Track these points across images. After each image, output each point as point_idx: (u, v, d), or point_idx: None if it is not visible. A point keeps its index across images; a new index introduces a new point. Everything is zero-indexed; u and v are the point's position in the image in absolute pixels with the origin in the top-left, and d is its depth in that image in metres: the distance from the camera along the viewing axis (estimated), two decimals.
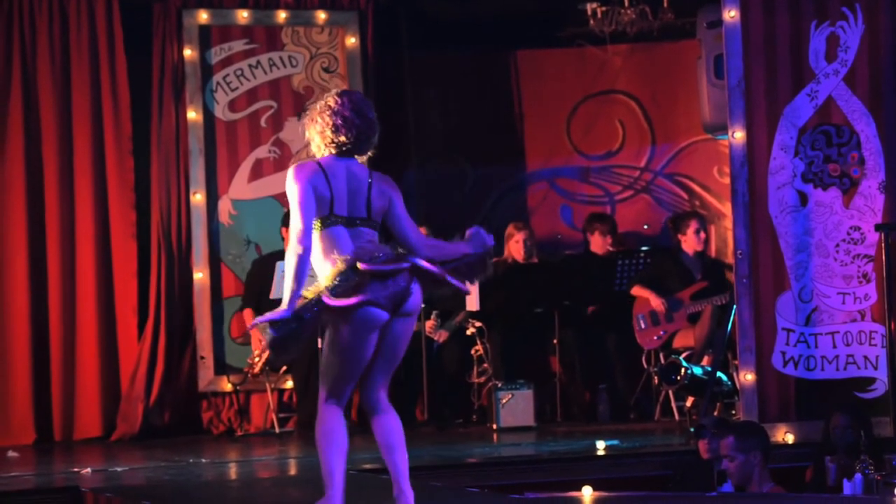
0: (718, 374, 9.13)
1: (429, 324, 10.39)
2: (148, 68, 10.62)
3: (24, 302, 10.34)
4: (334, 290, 5.38)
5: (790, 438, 8.67)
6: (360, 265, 5.38)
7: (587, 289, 10.86)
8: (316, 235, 5.53)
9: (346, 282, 5.38)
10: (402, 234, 5.63)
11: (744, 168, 8.80)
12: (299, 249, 5.45)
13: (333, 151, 5.61)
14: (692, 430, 8.40)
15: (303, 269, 5.44)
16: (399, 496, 5.58)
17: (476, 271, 5.65)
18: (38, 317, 10.37)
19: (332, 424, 5.58)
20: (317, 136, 5.64)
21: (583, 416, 10.68)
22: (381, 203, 5.60)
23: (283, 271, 6.51)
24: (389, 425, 5.63)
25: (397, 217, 5.64)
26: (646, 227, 11.79)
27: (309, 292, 5.39)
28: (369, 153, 5.68)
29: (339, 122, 5.58)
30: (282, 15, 10.86)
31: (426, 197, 11.34)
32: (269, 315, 5.41)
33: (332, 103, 5.62)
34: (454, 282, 5.55)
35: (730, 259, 9.90)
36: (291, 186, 5.52)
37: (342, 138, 5.59)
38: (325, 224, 5.53)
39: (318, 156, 5.66)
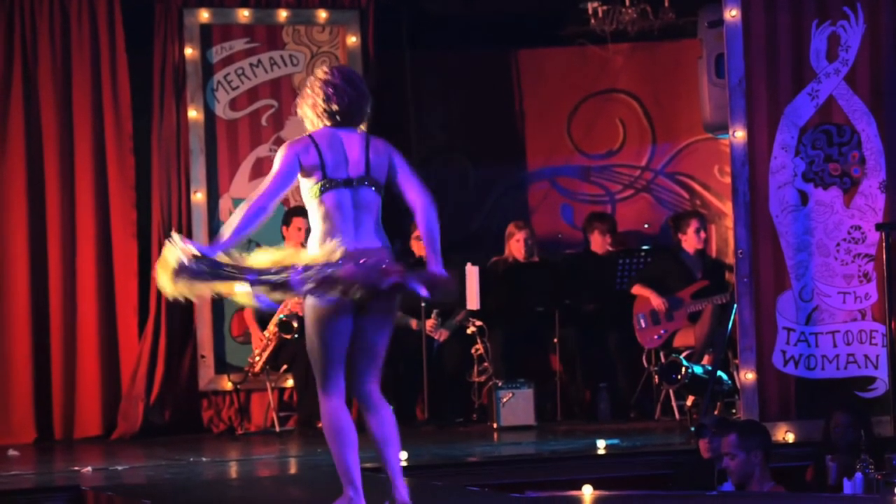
0: (719, 373, 9.14)
1: (429, 323, 10.39)
2: (149, 67, 10.62)
3: (25, 301, 10.33)
4: (264, 277, 5.40)
5: (791, 437, 8.67)
6: (295, 283, 5.36)
7: (588, 288, 10.85)
8: (314, 204, 5.57)
9: (278, 274, 5.40)
10: (405, 194, 5.63)
11: (744, 167, 8.79)
12: (252, 200, 5.52)
13: (328, 122, 5.65)
14: (693, 429, 8.41)
15: (246, 223, 5.51)
16: (392, 491, 5.59)
17: (433, 289, 5.55)
18: (38, 316, 10.36)
19: (336, 419, 5.58)
20: (309, 109, 5.68)
21: (583, 415, 10.67)
22: (380, 160, 5.61)
23: None
24: (382, 418, 5.63)
25: (399, 173, 5.63)
26: (646, 226, 11.78)
27: (246, 260, 5.44)
28: (362, 126, 5.70)
29: (331, 91, 5.62)
30: (283, 14, 10.85)
31: None
32: (198, 246, 5.42)
33: (321, 75, 5.68)
34: (418, 288, 5.49)
35: (730, 258, 9.90)
36: (277, 156, 5.59)
37: (334, 106, 5.62)
38: (323, 189, 5.55)
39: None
